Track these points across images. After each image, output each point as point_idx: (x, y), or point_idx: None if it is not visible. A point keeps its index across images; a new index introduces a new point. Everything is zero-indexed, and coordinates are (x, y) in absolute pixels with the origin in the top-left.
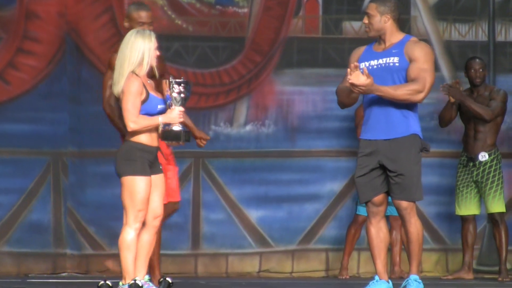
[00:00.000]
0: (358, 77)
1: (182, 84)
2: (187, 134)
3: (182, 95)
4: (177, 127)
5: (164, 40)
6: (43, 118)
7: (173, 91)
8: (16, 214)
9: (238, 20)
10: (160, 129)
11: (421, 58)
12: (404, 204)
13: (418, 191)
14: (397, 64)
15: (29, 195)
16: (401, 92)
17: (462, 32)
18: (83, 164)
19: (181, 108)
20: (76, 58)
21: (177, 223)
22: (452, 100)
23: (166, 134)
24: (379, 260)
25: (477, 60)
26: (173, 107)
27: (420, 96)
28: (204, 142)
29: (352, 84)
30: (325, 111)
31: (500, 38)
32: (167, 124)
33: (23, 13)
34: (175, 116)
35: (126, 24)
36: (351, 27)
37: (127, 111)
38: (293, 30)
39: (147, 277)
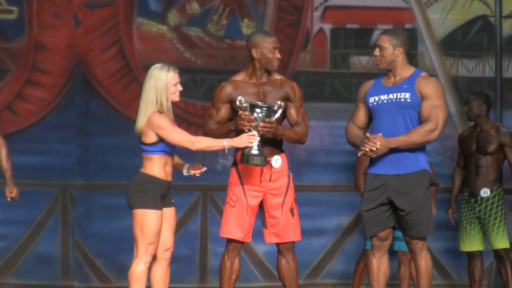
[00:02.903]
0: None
1: (260, 108)
2: (258, 159)
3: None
4: (254, 151)
5: None
6: (51, 149)
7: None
8: (24, 246)
9: (247, 54)
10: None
11: (433, 95)
12: (415, 239)
13: (429, 227)
14: (408, 100)
15: (37, 227)
16: (416, 136)
17: (469, 67)
18: (90, 196)
19: (252, 133)
20: (84, 90)
21: (185, 256)
22: None
23: (243, 157)
24: None
25: (471, 94)
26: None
27: (435, 134)
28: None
29: (365, 153)
30: (332, 145)
31: (507, 74)
32: (245, 148)
33: (32, 45)
34: (241, 141)
35: (254, 53)
36: (359, 61)
37: (181, 140)
38: (301, 64)
39: None
